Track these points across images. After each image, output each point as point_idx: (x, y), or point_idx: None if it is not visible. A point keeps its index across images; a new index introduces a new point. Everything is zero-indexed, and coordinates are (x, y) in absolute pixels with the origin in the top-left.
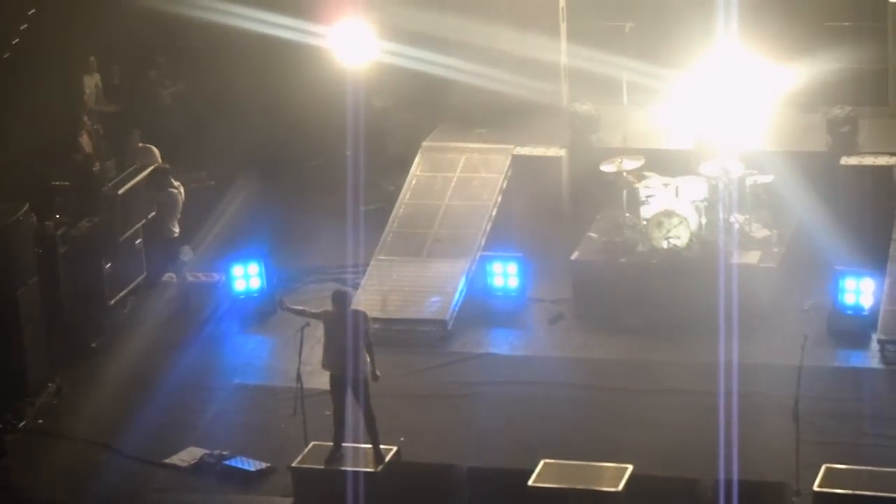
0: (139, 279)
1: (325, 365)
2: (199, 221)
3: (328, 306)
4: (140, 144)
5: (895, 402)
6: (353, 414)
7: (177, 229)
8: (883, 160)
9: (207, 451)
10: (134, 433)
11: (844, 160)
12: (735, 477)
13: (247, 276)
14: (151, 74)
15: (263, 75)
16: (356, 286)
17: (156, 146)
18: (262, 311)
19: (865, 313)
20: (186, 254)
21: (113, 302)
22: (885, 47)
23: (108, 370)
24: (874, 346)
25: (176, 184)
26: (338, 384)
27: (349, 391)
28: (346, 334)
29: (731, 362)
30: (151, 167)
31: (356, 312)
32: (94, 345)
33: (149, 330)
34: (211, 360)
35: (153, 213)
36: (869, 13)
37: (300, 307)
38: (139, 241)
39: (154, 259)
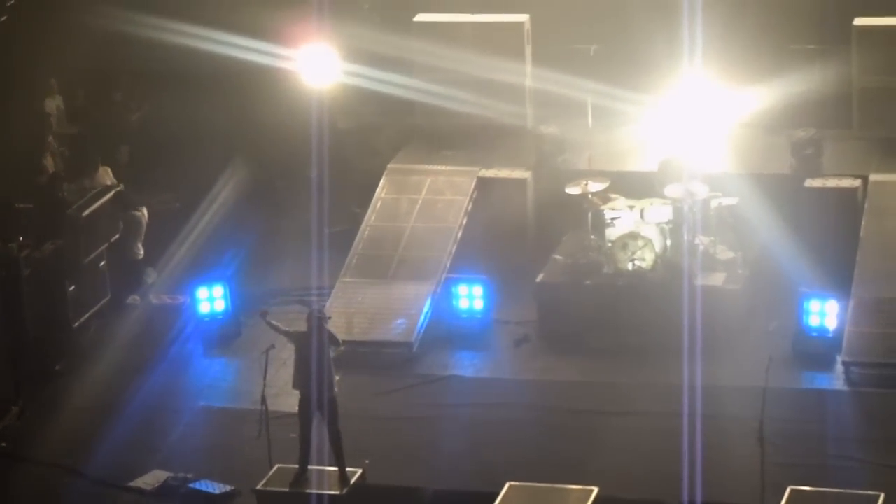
0: (103, 301)
1: (295, 385)
2: (163, 244)
3: (298, 327)
4: (103, 171)
5: (860, 424)
6: (318, 436)
7: (141, 251)
8: (847, 182)
9: (172, 474)
10: (98, 456)
11: (808, 182)
12: (700, 499)
13: (211, 299)
14: (116, 96)
15: (229, 98)
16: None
17: (122, 167)
18: (227, 333)
19: (830, 335)
20: (151, 276)
21: (77, 324)
22: (849, 70)
23: (71, 393)
24: (839, 367)
25: (140, 206)
26: (307, 405)
27: (316, 412)
28: (319, 355)
29: (696, 384)
30: (114, 190)
31: (328, 334)
32: (57, 367)
33: (113, 352)
34: (175, 383)
35: (117, 236)
36: (833, 36)
37: (276, 323)
38: (103, 263)
39: (118, 281)
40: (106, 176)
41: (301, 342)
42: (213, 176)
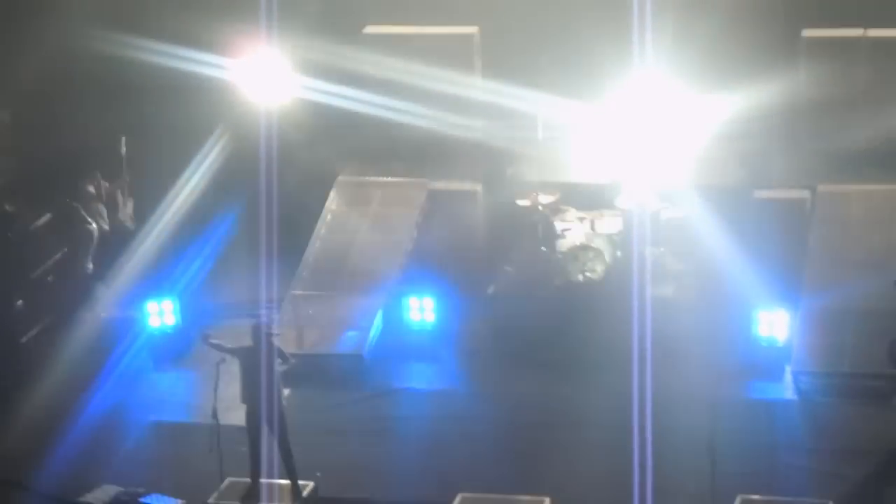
0: (52, 316)
1: (243, 399)
2: (113, 258)
3: (245, 341)
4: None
5: (809, 433)
6: (269, 449)
7: (90, 266)
8: (796, 193)
9: (122, 489)
10: (47, 471)
11: (758, 193)
12: None
13: (161, 313)
14: (62, 111)
15: (175, 110)
16: (271, 322)
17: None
18: (177, 347)
19: (780, 345)
20: (100, 290)
21: (25, 339)
22: (799, 81)
23: (20, 408)
24: (788, 377)
25: (90, 220)
26: (254, 419)
27: (265, 426)
28: (265, 368)
29: (646, 395)
30: (63, 203)
31: (273, 346)
32: (5, 383)
33: (62, 367)
34: (125, 398)
35: (66, 250)
36: (784, 47)
37: (218, 342)
38: (51, 278)
39: (67, 295)
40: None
41: (245, 356)
42: (161, 190)
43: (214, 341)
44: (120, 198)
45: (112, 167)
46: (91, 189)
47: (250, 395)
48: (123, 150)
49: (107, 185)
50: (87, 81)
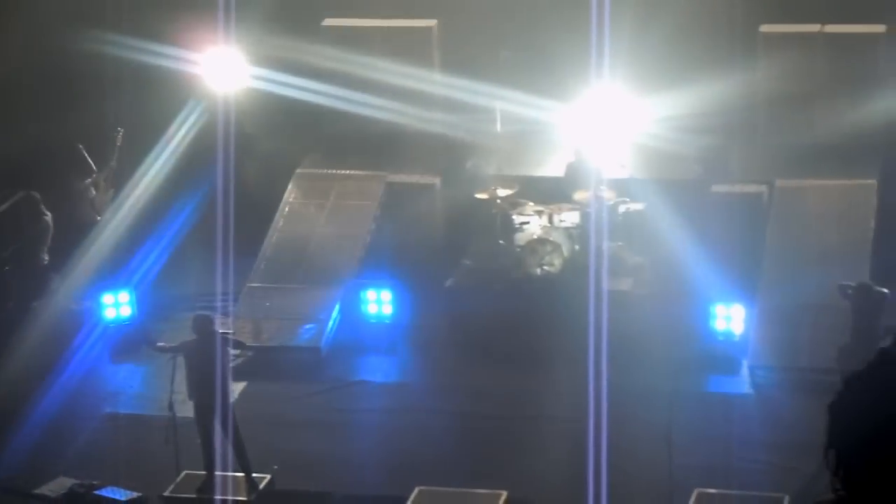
0: (7, 307)
1: (190, 395)
2: (69, 249)
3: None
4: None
5: (766, 427)
6: (224, 443)
7: (46, 257)
8: (753, 188)
9: (78, 482)
10: (2, 464)
11: (715, 188)
12: (606, 501)
13: (117, 305)
14: (20, 106)
15: (134, 103)
16: (227, 314)
17: (26, 177)
18: (133, 339)
19: (736, 339)
20: (56, 282)
21: None
22: (756, 76)
23: None
24: (745, 371)
25: (46, 211)
26: (204, 412)
27: (215, 419)
28: (211, 360)
29: (602, 388)
30: (20, 194)
31: (221, 337)
32: None
33: (17, 359)
34: (81, 390)
35: (21, 241)
36: (742, 43)
37: (163, 344)
38: (7, 268)
39: (22, 287)
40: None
41: (189, 351)
42: (119, 182)
43: (160, 344)
44: (102, 184)
45: (98, 156)
46: (85, 178)
47: (197, 389)
48: (119, 141)
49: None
50: (46, 75)
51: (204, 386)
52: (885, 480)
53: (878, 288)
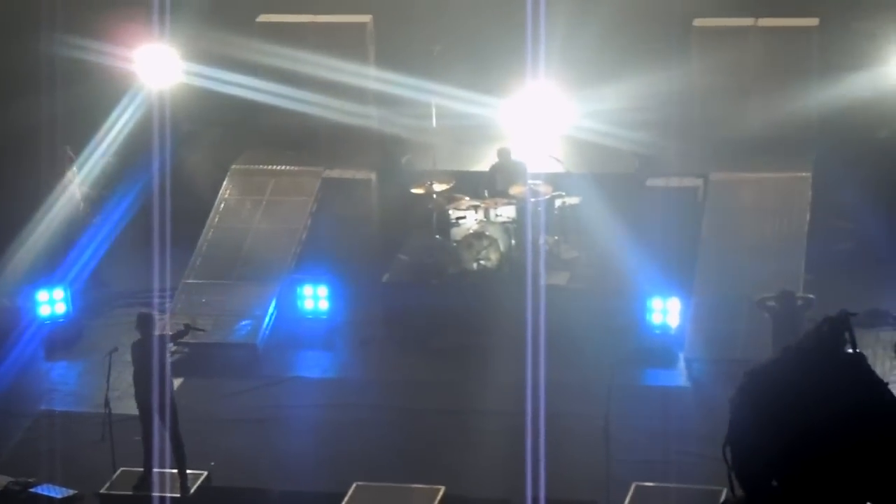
0: None
1: (137, 395)
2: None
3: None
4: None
5: (702, 420)
6: (162, 439)
7: None
8: (688, 181)
9: (13, 479)
10: None
11: (650, 182)
12: (544, 496)
13: (52, 301)
14: None
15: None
16: (163, 311)
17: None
18: (68, 336)
19: (672, 333)
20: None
21: None
22: (690, 70)
23: None
24: (681, 364)
25: None
26: (145, 409)
27: (156, 416)
28: (152, 358)
29: (540, 383)
30: None
31: (160, 336)
32: None
33: None
34: (15, 387)
35: None
36: (676, 37)
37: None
38: None
39: None
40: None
41: (133, 347)
42: (50, 179)
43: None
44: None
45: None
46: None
47: (142, 385)
48: (70, 159)
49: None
50: None
51: (146, 383)
52: (779, 478)
53: (802, 294)
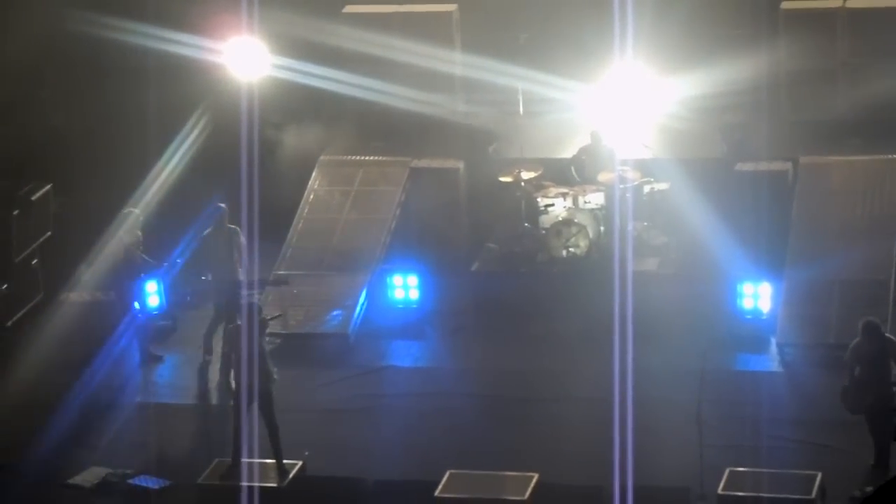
0: (37, 299)
1: (234, 378)
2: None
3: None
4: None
5: (795, 405)
6: (256, 429)
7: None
8: (777, 165)
9: (111, 471)
10: (35, 455)
11: (740, 166)
12: (630, 482)
13: (145, 295)
14: (42, 94)
15: (158, 93)
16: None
17: (49, 167)
18: (162, 329)
19: (764, 317)
20: (85, 273)
21: (10, 323)
22: (778, 54)
23: (6, 392)
24: (773, 349)
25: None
26: (239, 397)
27: (255, 404)
28: (251, 344)
29: (629, 369)
30: (47, 187)
31: (260, 322)
32: None
33: (47, 350)
34: (111, 380)
35: (49, 233)
36: (763, 21)
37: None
38: (35, 261)
39: (51, 279)
40: None
41: (232, 334)
42: (144, 171)
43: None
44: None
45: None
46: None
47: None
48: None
49: None
50: (66, 63)
51: (246, 370)
52: None
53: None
